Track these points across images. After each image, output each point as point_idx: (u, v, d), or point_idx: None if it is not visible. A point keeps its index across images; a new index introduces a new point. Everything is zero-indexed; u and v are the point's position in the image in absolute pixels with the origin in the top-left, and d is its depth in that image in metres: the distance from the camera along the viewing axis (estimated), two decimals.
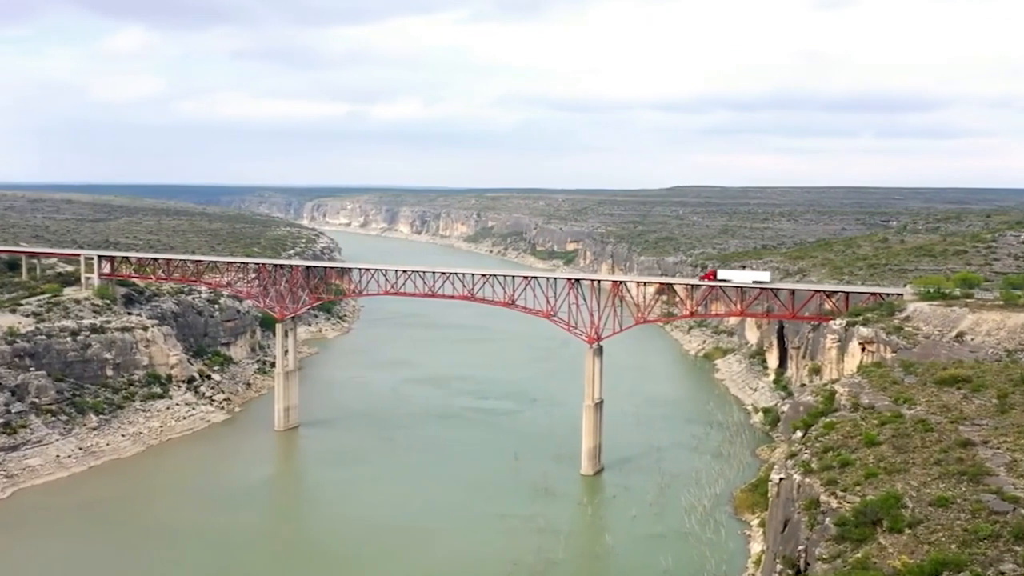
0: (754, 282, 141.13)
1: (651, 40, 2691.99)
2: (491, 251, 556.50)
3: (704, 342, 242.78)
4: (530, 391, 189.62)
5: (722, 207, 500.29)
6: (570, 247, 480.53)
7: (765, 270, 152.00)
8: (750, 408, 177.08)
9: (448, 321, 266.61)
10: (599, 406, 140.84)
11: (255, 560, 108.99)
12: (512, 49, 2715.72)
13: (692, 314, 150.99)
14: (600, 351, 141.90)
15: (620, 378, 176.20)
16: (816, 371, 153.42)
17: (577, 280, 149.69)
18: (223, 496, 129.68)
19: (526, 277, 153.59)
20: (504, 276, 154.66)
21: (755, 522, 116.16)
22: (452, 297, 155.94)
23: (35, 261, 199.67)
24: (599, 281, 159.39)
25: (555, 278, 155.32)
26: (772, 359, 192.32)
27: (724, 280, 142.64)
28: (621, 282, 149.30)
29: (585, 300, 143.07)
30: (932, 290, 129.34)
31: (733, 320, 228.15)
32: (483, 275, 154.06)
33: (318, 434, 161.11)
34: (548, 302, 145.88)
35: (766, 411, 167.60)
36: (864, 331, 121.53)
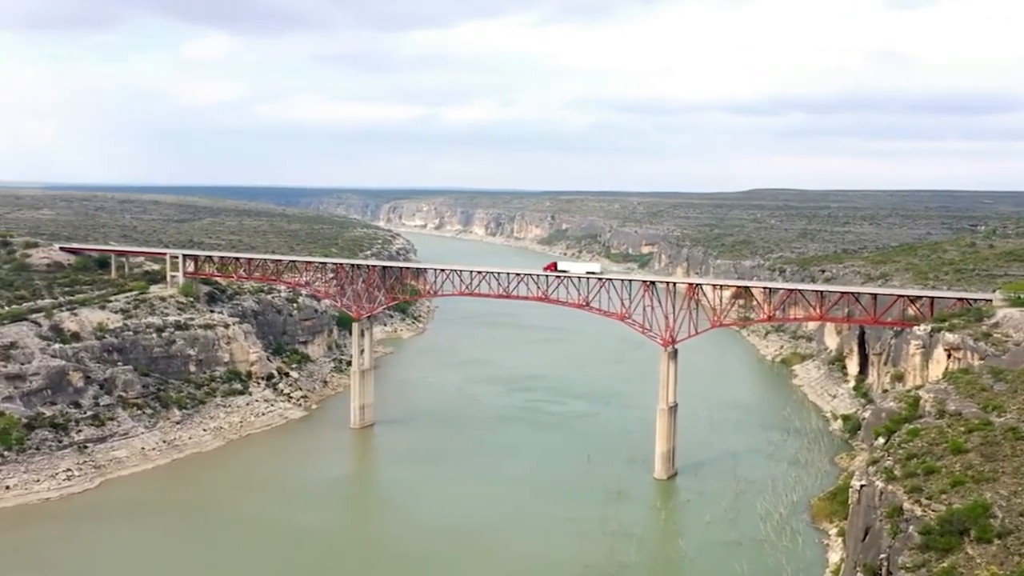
0: (587, 272, 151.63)
1: (722, 42, 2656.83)
2: (565, 253, 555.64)
3: (781, 347, 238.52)
4: (603, 393, 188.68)
5: (801, 210, 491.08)
6: (645, 250, 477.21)
7: (596, 262, 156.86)
8: (829, 415, 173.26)
9: (522, 322, 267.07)
10: (673, 410, 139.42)
11: (329, 556, 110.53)
12: (582, 52, 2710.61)
13: (769, 318, 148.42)
14: (675, 354, 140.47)
15: (695, 382, 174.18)
16: (898, 378, 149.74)
17: (652, 282, 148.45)
18: (300, 492, 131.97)
19: (600, 279, 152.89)
20: (578, 278, 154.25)
21: (833, 531, 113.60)
22: (526, 298, 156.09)
23: (123, 260, 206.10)
24: (674, 284, 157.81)
25: (630, 280, 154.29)
26: (852, 365, 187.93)
27: (563, 271, 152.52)
28: (697, 285, 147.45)
29: (660, 303, 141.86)
30: (1023, 296, 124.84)
31: (812, 325, 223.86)
32: (557, 276, 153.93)
33: (392, 432, 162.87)
34: (623, 304, 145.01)
35: (846, 418, 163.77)
36: (950, 337, 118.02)
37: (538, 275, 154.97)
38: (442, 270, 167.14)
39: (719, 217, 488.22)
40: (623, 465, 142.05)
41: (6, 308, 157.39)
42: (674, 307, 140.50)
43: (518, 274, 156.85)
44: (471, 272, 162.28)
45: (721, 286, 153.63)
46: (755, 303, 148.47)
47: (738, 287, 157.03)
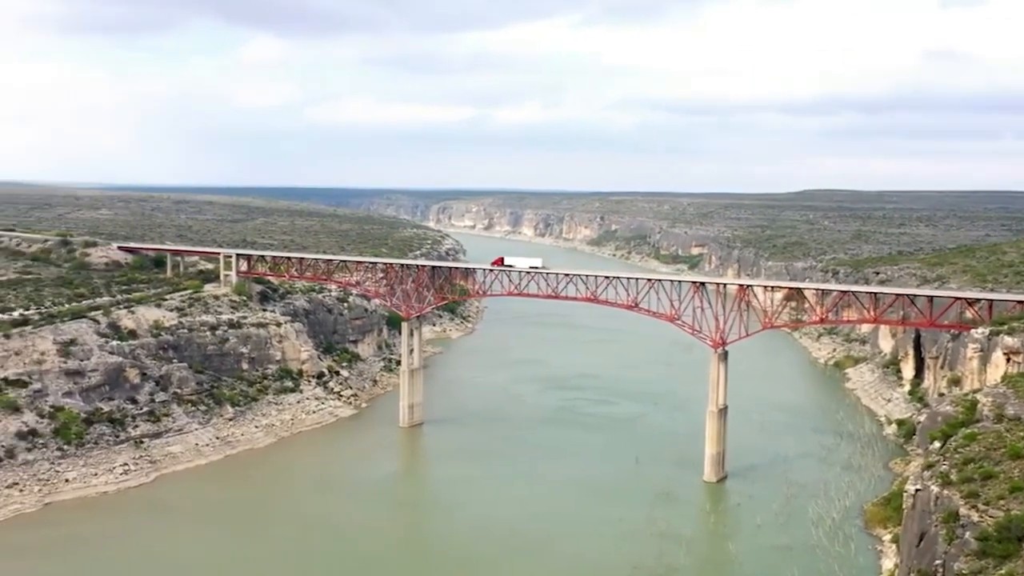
0: (530, 267, 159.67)
1: (771, 41, 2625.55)
2: (614, 254, 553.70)
3: (834, 350, 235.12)
4: (652, 394, 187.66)
5: (855, 211, 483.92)
6: (695, 251, 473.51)
7: (538, 257, 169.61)
8: (883, 419, 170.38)
9: (571, 322, 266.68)
10: (723, 412, 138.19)
11: (379, 554, 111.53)
12: (628, 52, 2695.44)
13: (822, 320, 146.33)
14: (725, 356, 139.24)
15: (745, 384, 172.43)
16: (955, 382, 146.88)
17: (702, 283, 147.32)
18: (350, 489, 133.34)
19: (650, 280, 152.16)
20: (627, 278, 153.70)
21: (887, 537, 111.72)
22: (575, 299, 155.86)
23: (179, 259, 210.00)
24: (725, 285, 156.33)
25: (679, 281, 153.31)
26: (907, 369, 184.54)
27: (508, 265, 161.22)
28: (748, 286, 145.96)
29: (710, 304, 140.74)
30: None
31: (866, 328, 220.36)
32: (606, 277, 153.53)
33: (441, 432, 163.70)
34: (672, 305, 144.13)
35: (900, 423, 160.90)
36: (1010, 340, 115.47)
37: (587, 275, 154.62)
38: (491, 270, 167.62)
39: (771, 218, 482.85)
40: (672, 467, 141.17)
41: (66, 306, 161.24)
42: (724, 309, 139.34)
43: (567, 274, 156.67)
44: (520, 272, 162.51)
45: (772, 287, 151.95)
46: (807, 305, 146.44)
47: (790, 288, 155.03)
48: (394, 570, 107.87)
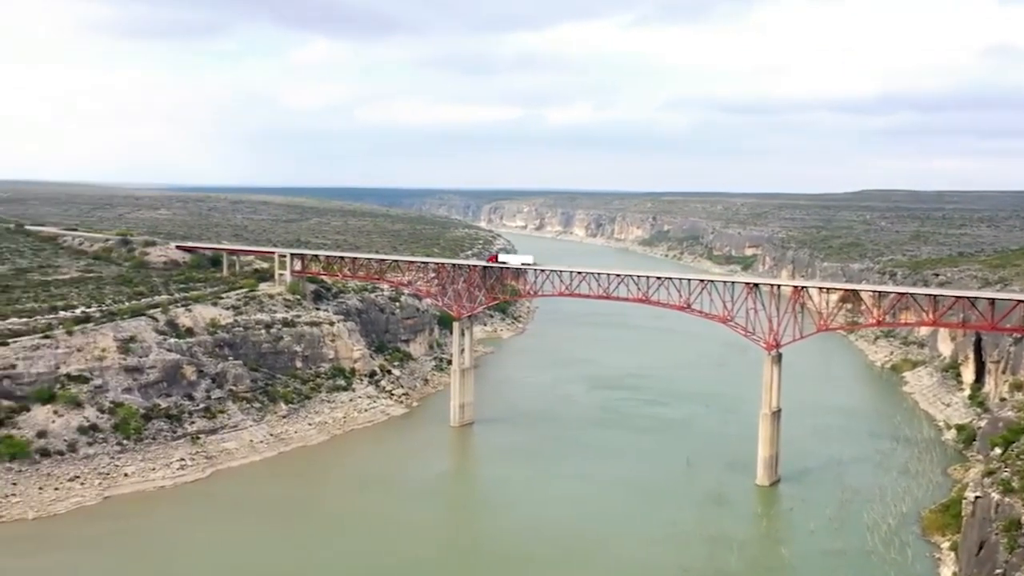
0: (522, 264, 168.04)
1: (823, 40, 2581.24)
2: (666, 255, 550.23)
3: (891, 353, 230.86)
4: (704, 396, 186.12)
5: (913, 212, 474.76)
6: (748, 252, 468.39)
7: (529, 255, 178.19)
8: (941, 424, 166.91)
9: (623, 322, 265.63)
10: (776, 415, 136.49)
11: (429, 554, 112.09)
12: (680, 52, 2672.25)
13: (879, 323, 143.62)
14: (779, 358, 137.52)
15: (799, 387, 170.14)
16: (1018, 387, 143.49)
17: (756, 285, 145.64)
18: (402, 487, 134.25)
19: (702, 281, 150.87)
20: (680, 279, 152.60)
21: (945, 544, 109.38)
22: (627, 299, 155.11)
23: (234, 258, 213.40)
24: (779, 286, 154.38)
25: (732, 282, 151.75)
26: (968, 373, 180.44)
27: (503, 263, 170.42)
28: (802, 287, 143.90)
29: (764, 306, 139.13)
30: None
31: (924, 331, 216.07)
32: (658, 278, 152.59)
33: (492, 431, 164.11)
34: (725, 306, 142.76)
35: (960, 428, 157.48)
36: None
37: (638, 276, 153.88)
38: (542, 270, 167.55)
39: (826, 219, 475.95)
40: (724, 470, 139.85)
41: (126, 304, 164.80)
42: (778, 310, 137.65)
43: (618, 275, 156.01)
44: (571, 272, 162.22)
45: (828, 289, 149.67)
46: (864, 307, 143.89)
47: (846, 290, 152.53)
48: (445, 570, 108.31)
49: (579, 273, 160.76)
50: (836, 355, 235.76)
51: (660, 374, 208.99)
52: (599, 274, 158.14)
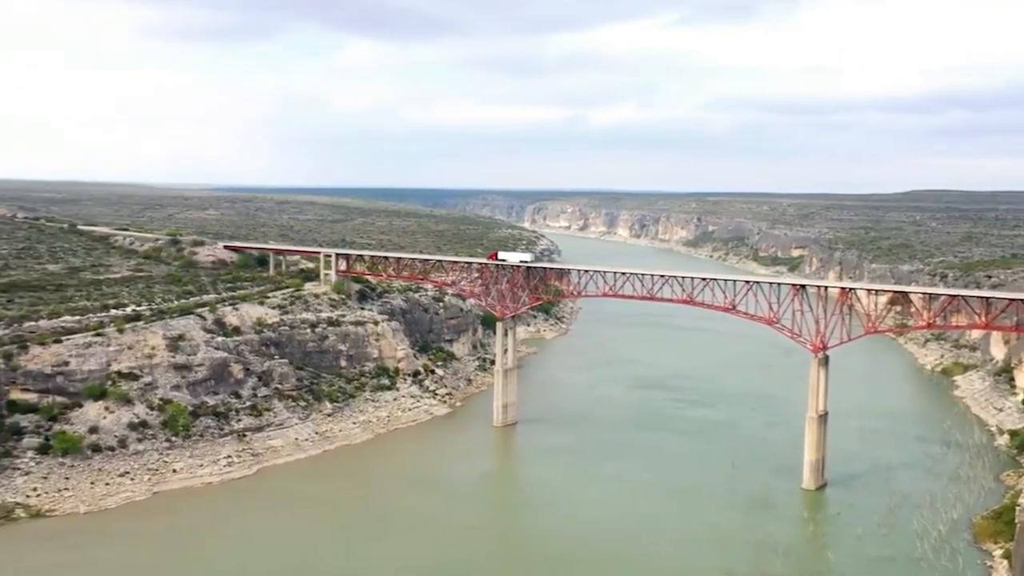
0: (520, 261, 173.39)
1: (870, 38, 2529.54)
2: (711, 256, 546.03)
3: (942, 356, 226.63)
4: (749, 398, 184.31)
5: (965, 212, 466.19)
6: (795, 253, 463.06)
7: (527, 252, 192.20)
8: (994, 429, 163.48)
9: (667, 323, 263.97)
10: (823, 418, 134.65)
11: (472, 553, 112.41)
12: (724, 51, 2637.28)
13: (929, 325, 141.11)
14: (825, 361, 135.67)
15: (847, 390, 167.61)
16: None
17: (802, 286, 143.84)
18: (445, 487, 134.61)
19: (748, 282, 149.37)
20: (725, 280, 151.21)
21: (998, 552, 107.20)
22: (671, 300, 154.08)
23: (281, 258, 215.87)
24: (826, 288, 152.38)
25: (779, 283, 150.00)
26: (1021, 377, 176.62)
27: (502, 260, 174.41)
28: (850, 289, 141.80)
29: (811, 307, 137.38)
30: None
31: (976, 334, 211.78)
32: (703, 279, 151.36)
33: (534, 432, 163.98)
34: (771, 308, 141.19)
35: (1013, 433, 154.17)
36: None
37: (683, 277, 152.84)
38: (586, 271, 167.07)
39: (875, 219, 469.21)
40: (769, 473, 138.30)
41: (175, 302, 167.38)
42: (825, 312, 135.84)
43: (662, 276, 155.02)
44: (614, 273, 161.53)
45: (876, 291, 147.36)
46: (913, 309, 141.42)
47: (895, 292, 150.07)
48: (487, 571, 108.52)
49: (622, 274, 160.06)
50: (885, 358, 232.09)
51: (705, 375, 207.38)
52: (643, 275, 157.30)
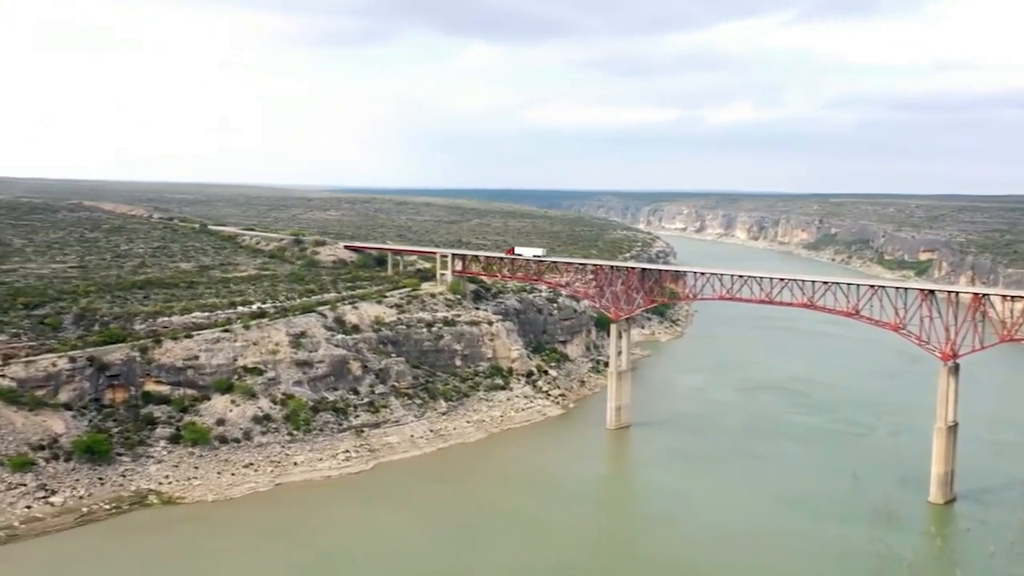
0: (533, 256, 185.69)
1: (1005, 31, 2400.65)
2: (833, 259, 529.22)
3: None
4: (873, 407, 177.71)
5: None
6: (923, 256, 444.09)
7: (541, 248, 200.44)
8: None
9: (787, 327, 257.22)
10: (953, 429, 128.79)
11: (586, 558, 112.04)
12: (845, 48, 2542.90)
13: None
14: (956, 370, 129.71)
15: (978, 401, 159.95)
16: None
17: (931, 291, 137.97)
18: (559, 488, 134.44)
19: (872, 286, 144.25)
20: (848, 284, 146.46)
21: None
22: (790, 304, 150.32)
23: (398, 258, 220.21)
24: (957, 293, 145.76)
25: (905, 288, 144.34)
26: None
27: (518, 255, 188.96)
28: (984, 295, 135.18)
29: (940, 313, 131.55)
30: None
31: None
32: (824, 283, 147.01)
33: (648, 435, 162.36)
34: (897, 314, 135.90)
35: None
36: None
37: (803, 280, 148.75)
38: (701, 273, 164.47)
39: (1011, 222, 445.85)
40: (894, 485, 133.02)
41: (298, 300, 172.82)
42: (956, 319, 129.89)
43: (781, 279, 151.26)
44: (731, 276, 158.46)
45: (1013, 297, 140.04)
46: None
47: None
48: (605, 574, 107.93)
49: (740, 276, 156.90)
50: (1021, 368, 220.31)
51: (826, 381, 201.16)
52: (761, 278, 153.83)
